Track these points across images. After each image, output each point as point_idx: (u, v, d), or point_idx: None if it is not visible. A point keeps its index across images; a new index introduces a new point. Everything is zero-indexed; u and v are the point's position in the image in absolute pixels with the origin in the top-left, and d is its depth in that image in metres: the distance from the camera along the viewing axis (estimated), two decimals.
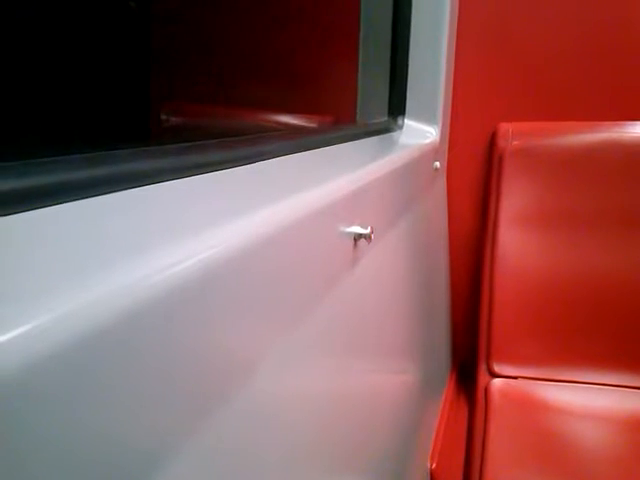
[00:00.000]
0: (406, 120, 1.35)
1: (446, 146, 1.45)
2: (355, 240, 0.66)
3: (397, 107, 1.34)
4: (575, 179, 1.38)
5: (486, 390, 1.32)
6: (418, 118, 1.35)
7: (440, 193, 1.45)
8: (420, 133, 1.32)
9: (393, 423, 0.93)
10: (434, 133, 1.33)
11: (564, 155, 1.39)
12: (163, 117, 0.71)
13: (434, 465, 1.17)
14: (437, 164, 1.32)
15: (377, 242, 0.75)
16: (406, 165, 1.00)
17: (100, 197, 0.39)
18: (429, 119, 1.35)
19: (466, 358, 1.51)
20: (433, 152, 1.31)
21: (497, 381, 1.34)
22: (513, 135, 1.43)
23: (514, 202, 1.41)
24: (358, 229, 0.65)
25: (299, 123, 1.05)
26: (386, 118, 1.33)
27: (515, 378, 1.36)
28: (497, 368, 1.38)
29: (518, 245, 1.41)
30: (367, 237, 0.66)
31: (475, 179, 1.49)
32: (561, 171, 1.39)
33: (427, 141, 1.30)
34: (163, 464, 0.33)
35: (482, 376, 1.38)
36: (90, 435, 0.27)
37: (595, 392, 1.30)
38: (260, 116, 0.91)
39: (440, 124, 1.35)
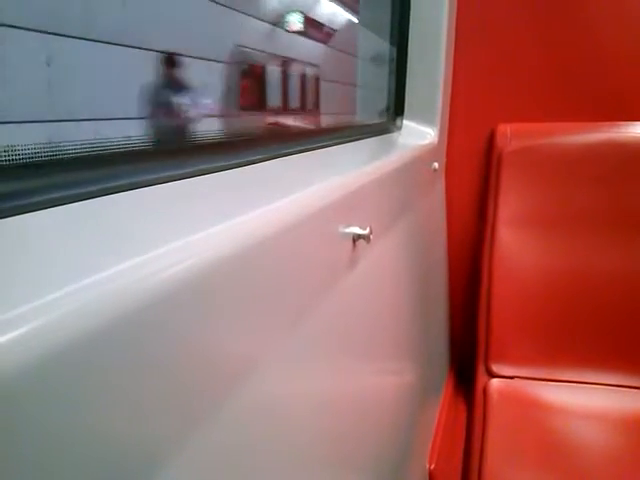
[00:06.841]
0: (405, 121, 1.35)
1: (445, 147, 1.46)
2: (354, 241, 0.66)
3: (396, 108, 1.34)
4: (573, 179, 1.38)
5: (484, 390, 1.32)
6: (417, 119, 1.35)
7: (439, 194, 1.45)
8: (419, 134, 1.32)
9: (392, 424, 0.93)
10: (433, 134, 1.34)
11: (562, 155, 1.40)
12: None
13: (433, 466, 1.17)
14: (436, 165, 1.32)
15: (376, 243, 0.75)
16: (405, 166, 1.00)
17: (97, 199, 0.39)
18: (428, 120, 1.35)
19: (464, 358, 1.51)
20: (432, 153, 1.31)
21: (495, 381, 1.35)
22: (511, 136, 1.43)
23: (512, 202, 1.42)
24: (357, 230, 0.66)
25: None
26: (385, 119, 1.33)
27: (513, 378, 1.36)
28: (495, 368, 1.38)
29: (516, 245, 1.41)
30: (366, 238, 0.66)
31: (474, 180, 1.49)
32: (559, 171, 1.39)
33: (426, 142, 1.30)
34: (164, 462, 0.33)
35: (480, 376, 1.38)
36: (91, 434, 0.27)
37: (593, 392, 1.30)
38: None
39: (439, 125, 1.35)
